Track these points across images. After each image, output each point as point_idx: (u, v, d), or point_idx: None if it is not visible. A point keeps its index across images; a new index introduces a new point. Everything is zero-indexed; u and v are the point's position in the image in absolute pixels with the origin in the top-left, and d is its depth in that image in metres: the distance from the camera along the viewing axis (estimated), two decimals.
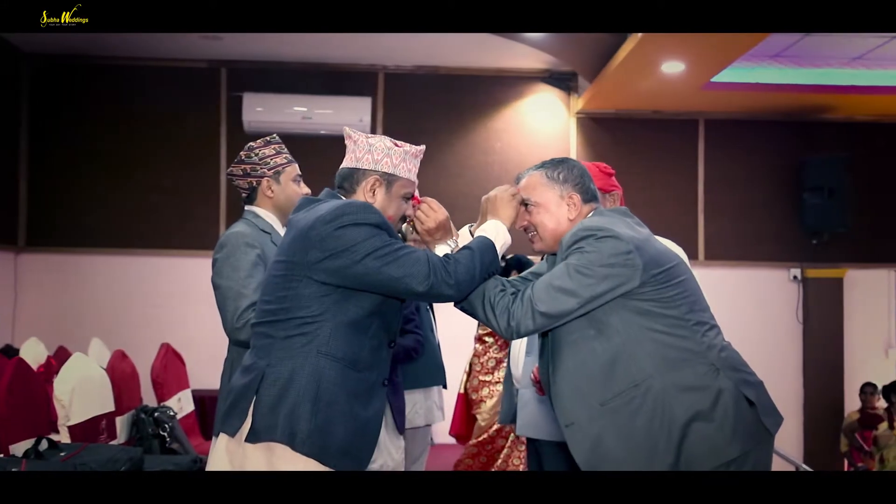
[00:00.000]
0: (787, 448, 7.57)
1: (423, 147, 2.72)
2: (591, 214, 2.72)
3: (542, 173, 2.74)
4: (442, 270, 2.46)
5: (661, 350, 2.50)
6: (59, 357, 6.28)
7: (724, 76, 7.14)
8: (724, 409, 2.48)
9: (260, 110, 7.86)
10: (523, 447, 5.72)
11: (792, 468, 6.14)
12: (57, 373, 4.99)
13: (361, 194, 2.62)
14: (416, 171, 2.70)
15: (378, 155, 2.62)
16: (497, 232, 2.63)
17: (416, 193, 2.76)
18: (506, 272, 6.48)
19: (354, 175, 2.63)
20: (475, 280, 2.53)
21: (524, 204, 2.74)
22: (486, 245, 2.58)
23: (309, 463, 2.39)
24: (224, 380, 3.12)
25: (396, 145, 2.65)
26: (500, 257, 2.63)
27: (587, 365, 2.55)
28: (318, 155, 6.59)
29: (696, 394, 2.48)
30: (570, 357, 2.58)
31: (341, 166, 2.67)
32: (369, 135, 2.68)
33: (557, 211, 2.71)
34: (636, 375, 2.49)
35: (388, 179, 2.62)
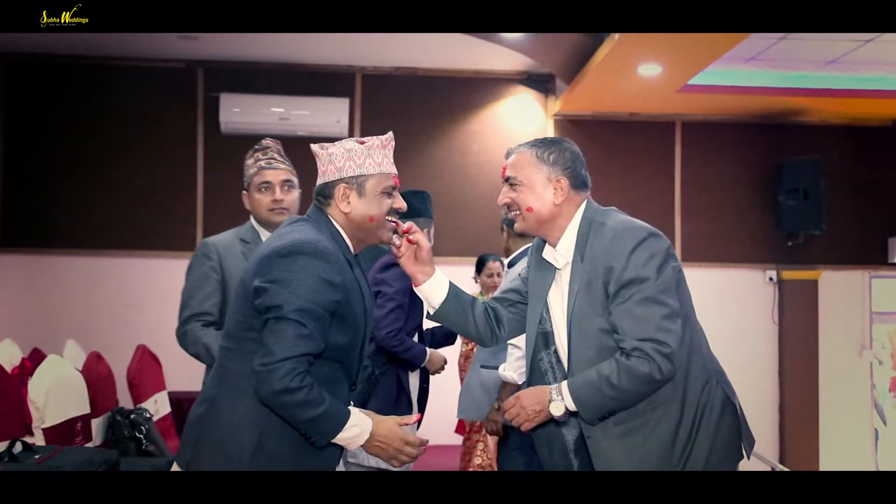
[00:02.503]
0: (763, 448, 7.62)
1: (389, 135, 2.61)
2: (581, 206, 2.70)
3: (533, 152, 2.66)
4: None
5: None
6: (34, 359, 6.21)
7: (701, 79, 7.17)
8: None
9: (237, 111, 7.82)
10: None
11: (768, 468, 6.17)
12: (31, 375, 4.93)
13: (336, 207, 2.55)
14: (390, 161, 2.58)
15: (339, 162, 2.53)
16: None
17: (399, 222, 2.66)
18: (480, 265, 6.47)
19: (325, 190, 2.57)
20: None
21: (509, 182, 2.68)
22: None
23: None
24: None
25: (360, 143, 2.55)
26: None
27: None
28: (295, 156, 6.56)
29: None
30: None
31: (316, 183, 2.62)
32: (331, 144, 2.59)
33: (543, 193, 2.63)
34: None
35: (358, 182, 2.53)
